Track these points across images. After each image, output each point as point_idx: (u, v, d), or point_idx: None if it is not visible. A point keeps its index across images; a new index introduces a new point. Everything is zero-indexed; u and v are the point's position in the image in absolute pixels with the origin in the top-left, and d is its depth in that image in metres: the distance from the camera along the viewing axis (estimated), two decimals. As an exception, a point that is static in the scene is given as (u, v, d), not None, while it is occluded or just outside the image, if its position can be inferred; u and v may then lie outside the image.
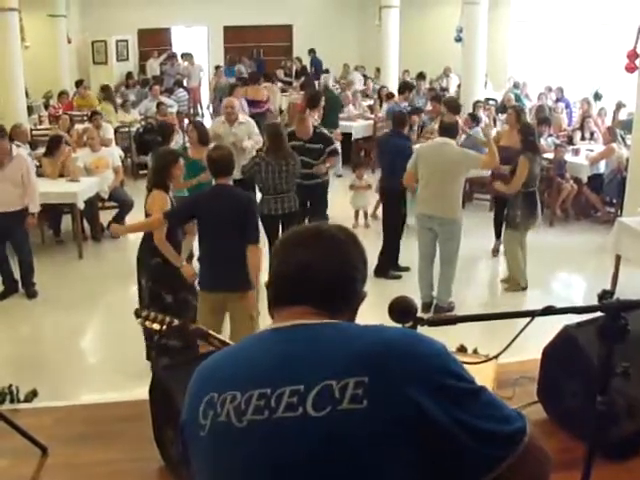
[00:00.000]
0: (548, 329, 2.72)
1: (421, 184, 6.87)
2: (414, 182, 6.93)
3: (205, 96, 20.24)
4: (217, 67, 18.75)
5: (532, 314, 1.78)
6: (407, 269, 7.87)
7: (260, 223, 5.58)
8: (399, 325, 1.88)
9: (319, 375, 1.36)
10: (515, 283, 7.60)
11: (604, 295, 1.76)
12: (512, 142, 8.13)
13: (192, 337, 2.59)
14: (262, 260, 4.92)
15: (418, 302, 6.23)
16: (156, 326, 2.58)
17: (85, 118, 12.73)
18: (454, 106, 9.03)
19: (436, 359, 1.40)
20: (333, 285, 1.53)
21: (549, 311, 1.77)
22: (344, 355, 1.38)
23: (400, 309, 1.88)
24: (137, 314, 2.69)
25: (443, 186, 6.63)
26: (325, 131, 8.15)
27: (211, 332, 2.62)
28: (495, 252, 8.73)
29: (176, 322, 2.60)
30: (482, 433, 1.35)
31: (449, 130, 6.82)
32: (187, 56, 19.52)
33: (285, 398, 1.37)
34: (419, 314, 1.82)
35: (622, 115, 12.09)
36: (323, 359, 1.39)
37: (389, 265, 7.78)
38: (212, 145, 6.85)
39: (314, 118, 8.74)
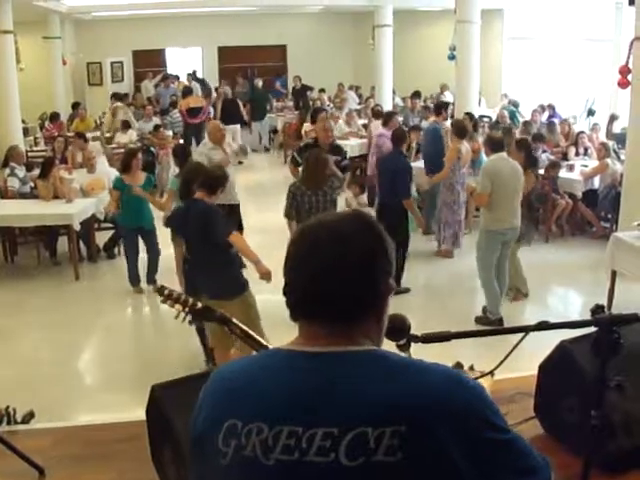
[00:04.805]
0: (544, 344, 2.72)
1: (500, 200, 6.80)
2: (486, 202, 6.85)
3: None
4: (217, 88, 18.87)
5: (526, 330, 1.79)
6: (407, 290, 7.76)
7: None
8: (398, 341, 1.89)
9: (355, 419, 1.31)
10: (519, 292, 7.73)
11: (597, 309, 1.78)
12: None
13: (215, 321, 2.56)
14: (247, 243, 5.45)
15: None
16: (178, 307, 2.56)
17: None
18: (461, 129, 8.91)
19: (476, 409, 1.36)
20: (359, 292, 1.43)
21: (542, 326, 1.79)
22: (382, 399, 1.32)
23: (394, 327, 1.89)
24: (160, 292, 2.63)
25: (518, 197, 6.95)
26: (340, 144, 8.43)
27: (234, 320, 2.58)
28: None
29: (199, 305, 2.58)
30: None
31: (500, 144, 7.02)
32: (190, 76, 19.70)
33: (317, 440, 1.32)
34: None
35: (616, 128, 12.14)
36: (359, 401, 1.33)
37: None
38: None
39: (315, 132, 8.85)
